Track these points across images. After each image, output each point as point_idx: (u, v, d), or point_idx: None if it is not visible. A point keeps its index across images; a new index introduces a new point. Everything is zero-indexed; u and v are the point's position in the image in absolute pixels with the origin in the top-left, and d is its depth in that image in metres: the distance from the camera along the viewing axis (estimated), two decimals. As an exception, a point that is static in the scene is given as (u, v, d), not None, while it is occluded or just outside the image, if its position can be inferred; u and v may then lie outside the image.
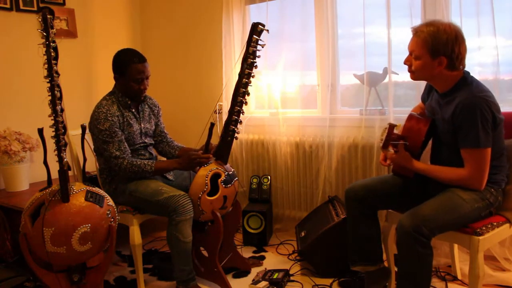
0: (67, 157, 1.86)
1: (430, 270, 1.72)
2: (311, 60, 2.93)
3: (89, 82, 3.39)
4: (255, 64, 2.19)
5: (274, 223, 3.10)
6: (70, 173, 1.90)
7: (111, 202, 1.99)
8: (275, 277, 2.31)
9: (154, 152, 2.51)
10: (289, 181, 3.02)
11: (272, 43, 2.80)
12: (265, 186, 2.98)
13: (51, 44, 1.76)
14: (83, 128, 2.07)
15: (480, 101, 1.70)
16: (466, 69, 1.82)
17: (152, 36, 3.72)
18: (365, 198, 1.99)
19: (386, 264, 2.10)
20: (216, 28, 3.18)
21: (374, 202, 1.99)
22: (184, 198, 2.10)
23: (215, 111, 3.18)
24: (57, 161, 1.81)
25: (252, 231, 2.86)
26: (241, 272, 2.47)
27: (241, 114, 2.22)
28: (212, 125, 2.26)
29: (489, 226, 1.77)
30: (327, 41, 2.76)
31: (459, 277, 2.27)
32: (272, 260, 2.64)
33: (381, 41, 2.52)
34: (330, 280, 2.32)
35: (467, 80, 1.79)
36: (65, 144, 1.83)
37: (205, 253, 2.35)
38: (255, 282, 2.30)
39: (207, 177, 2.17)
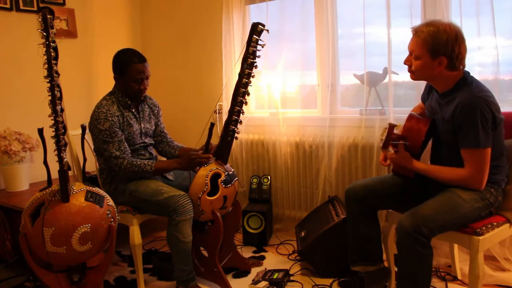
0: (67, 157, 1.86)
1: (430, 270, 1.72)
2: (311, 60, 2.93)
3: (89, 82, 3.39)
4: (255, 64, 2.19)
5: (274, 223, 3.10)
6: (70, 173, 1.90)
7: (111, 202, 1.99)
8: (275, 277, 2.31)
9: (154, 152, 2.51)
10: (289, 181, 3.02)
11: (272, 43, 2.80)
12: (265, 186, 2.98)
13: (51, 44, 1.76)
14: (83, 128, 2.07)
15: (480, 101, 1.70)
16: (466, 69, 1.82)
17: (152, 36, 3.72)
18: (365, 198, 1.99)
19: (386, 264, 2.10)
20: (216, 28, 3.18)
21: (374, 202, 1.99)
22: (184, 198, 2.10)
23: (215, 111, 3.18)
24: (57, 161, 1.81)
25: (252, 231, 2.86)
26: (241, 272, 2.47)
27: (241, 114, 2.22)
28: (212, 125, 2.26)
29: (489, 226, 1.77)
30: (327, 41, 2.76)
31: (459, 277, 2.27)
32: (272, 260, 2.64)
33: (381, 41, 2.52)
34: (330, 280, 2.32)
35: (467, 80, 1.79)
36: (65, 144, 1.83)
37: (205, 253, 2.35)
38: (255, 282, 2.30)
39: (207, 177, 2.17)
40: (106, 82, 2.63)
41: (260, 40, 2.18)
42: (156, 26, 3.68)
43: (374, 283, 2.01)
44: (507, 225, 1.85)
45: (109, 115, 2.19)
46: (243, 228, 2.87)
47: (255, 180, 3.02)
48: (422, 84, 2.21)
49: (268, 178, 3.00)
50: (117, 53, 2.28)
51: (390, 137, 1.90)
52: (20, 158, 2.75)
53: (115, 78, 2.29)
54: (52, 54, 1.77)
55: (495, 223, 1.79)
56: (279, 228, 3.08)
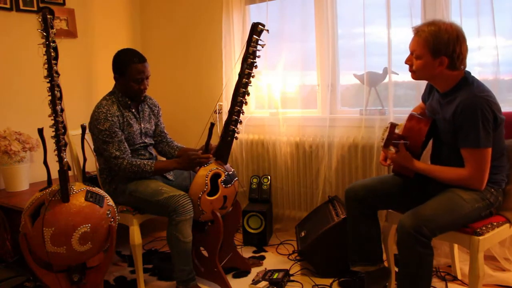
0: (67, 157, 1.86)
1: (431, 270, 1.72)
2: (311, 60, 2.93)
3: (89, 82, 3.39)
4: (255, 64, 2.18)
5: (274, 223, 3.10)
6: (70, 173, 1.90)
7: (111, 202, 1.99)
8: (275, 277, 2.31)
9: (154, 152, 2.51)
10: (289, 181, 3.01)
11: (272, 43, 2.80)
12: (265, 186, 2.98)
13: (51, 44, 1.76)
14: (83, 128, 2.07)
15: (481, 101, 1.70)
16: (466, 69, 1.82)
17: (152, 36, 3.72)
18: (365, 198, 1.98)
19: (386, 264, 2.10)
20: (216, 28, 3.18)
21: (374, 202, 1.99)
22: (184, 198, 2.10)
23: (215, 111, 3.18)
24: (57, 161, 1.81)
25: (252, 231, 2.86)
26: (241, 272, 2.47)
27: (241, 114, 2.22)
28: (212, 125, 2.26)
29: (489, 226, 1.77)
30: (327, 41, 2.76)
31: (459, 277, 2.27)
32: (272, 260, 2.64)
33: (381, 41, 2.52)
34: (330, 280, 2.32)
35: (468, 80, 1.79)
36: (65, 144, 1.83)
37: (205, 253, 2.35)
38: (255, 282, 2.30)
39: (207, 177, 2.17)
40: (106, 82, 2.63)
41: (260, 40, 2.18)
42: (156, 26, 3.68)
43: (374, 283, 2.01)
44: (507, 225, 1.85)
45: (109, 115, 2.19)
46: (243, 228, 2.87)
47: (255, 180, 3.02)
48: (422, 84, 2.21)
49: (268, 178, 3.00)
50: (117, 53, 2.28)
51: (392, 136, 1.90)
52: (20, 158, 2.75)
53: (115, 78, 2.29)
54: (52, 54, 1.77)
55: (495, 223, 1.79)
56: (279, 228, 3.08)
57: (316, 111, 2.98)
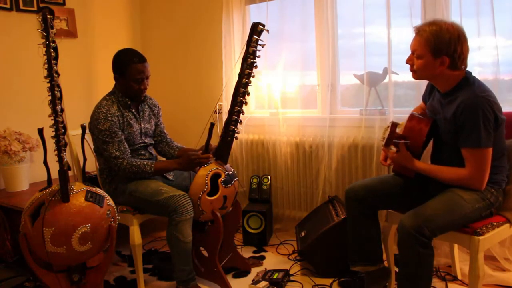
0: (67, 157, 1.85)
1: (431, 271, 1.71)
2: (311, 60, 2.93)
3: (89, 82, 3.39)
4: (255, 64, 2.18)
5: (274, 223, 3.10)
6: (70, 173, 1.90)
7: (111, 202, 1.99)
8: (275, 277, 2.31)
9: (154, 152, 2.51)
10: (289, 181, 3.01)
11: (272, 43, 2.80)
12: (265, 186, 2.98)
13: (51, 44, 1.76)
14: (83, 128, 2.07)
15: (482, 101, 1.70)
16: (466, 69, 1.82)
17: (152, 36, 3.72)
18: (365, 198, 1.98)
19: (386, 264, 2.10)
20: (216, 28, 3.17)
21: (374, 202, 1.99)
22: (184, 198, 2.10)
23: (215, 111, 3.18)
24: (57, 161, 1.81)
25: (252, 231, 2.86)
26: (241, 272, 2.47)
27: (241, 114, 2.22)
28: (212, 125, 2.26)
29: (489, 226, 1.77)
30: (327, 41, 2.76)
31: (459, 277, 2.27)
32: (272, 260, 2.64)
33: (381, 41, 2.52)
34: (330, 280, 2.32)
35: (469, 80, 1.79)
36: (65, 144, 1.83)
37: (205, 253, 2.35)
38: (255, 282, 2.30)
39: (207, 177, 2.17)
40: (106, 82, 2.63)
41: (260, 40, 2.18)
42: (156, 26, 3.68)
43: (374, 283, 2.00)
44: (507, 225, 1.85)
45: (109, 115, 2.19)
46: (243, 228, 2.87)
47: (255, 180, 3.02)
48: (422, 84, 2.21)
49: (268, 178, 3.00)
50: (117, 53, 2.28)
51: (393, 135, 1.90)
52: (20, 158, 2.75)
53: (115, 78, 2.29)
54: (52, 54, 1.77)
55: (495, 223, 1.79)
56: (279, 228, 3.08)
57: (316, 111, 2.98)
